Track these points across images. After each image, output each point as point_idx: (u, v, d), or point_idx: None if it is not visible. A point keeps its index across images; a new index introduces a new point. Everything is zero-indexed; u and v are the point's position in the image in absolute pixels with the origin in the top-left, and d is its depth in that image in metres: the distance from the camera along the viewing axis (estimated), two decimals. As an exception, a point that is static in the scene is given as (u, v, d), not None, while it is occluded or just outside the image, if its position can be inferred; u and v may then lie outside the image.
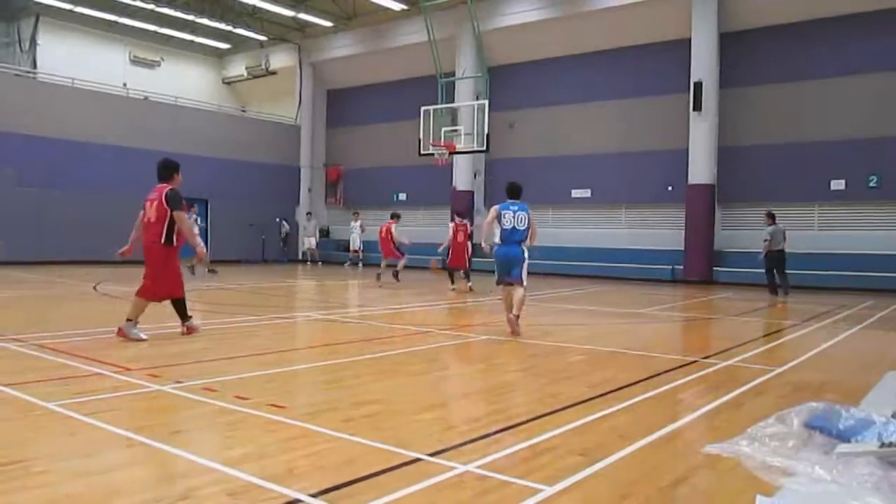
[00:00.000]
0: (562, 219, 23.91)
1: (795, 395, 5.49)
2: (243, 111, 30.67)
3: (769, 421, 4.25)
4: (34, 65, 25.36)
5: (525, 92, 24.38)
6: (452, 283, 16.03)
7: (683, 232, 20.47)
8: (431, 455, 3.83)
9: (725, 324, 11.60)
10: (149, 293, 8.04)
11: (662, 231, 21.78)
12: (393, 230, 17.20)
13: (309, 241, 26.98)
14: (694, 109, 20.05)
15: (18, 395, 5.02)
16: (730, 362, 7.20)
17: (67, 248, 22.02)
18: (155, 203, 8.08)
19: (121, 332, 7.76)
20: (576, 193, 23.44)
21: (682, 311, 13.43)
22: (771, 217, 14.98)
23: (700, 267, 20.04)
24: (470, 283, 16.02)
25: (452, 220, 17.73)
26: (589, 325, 10.89)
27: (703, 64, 20.09)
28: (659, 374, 6.39)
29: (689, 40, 20.37)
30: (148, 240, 8.08)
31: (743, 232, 20.00)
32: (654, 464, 3.87)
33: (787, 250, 15.05)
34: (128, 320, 7.85)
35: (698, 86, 19.96)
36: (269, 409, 4.75)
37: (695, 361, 7.22)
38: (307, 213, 28.58)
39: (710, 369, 6.81)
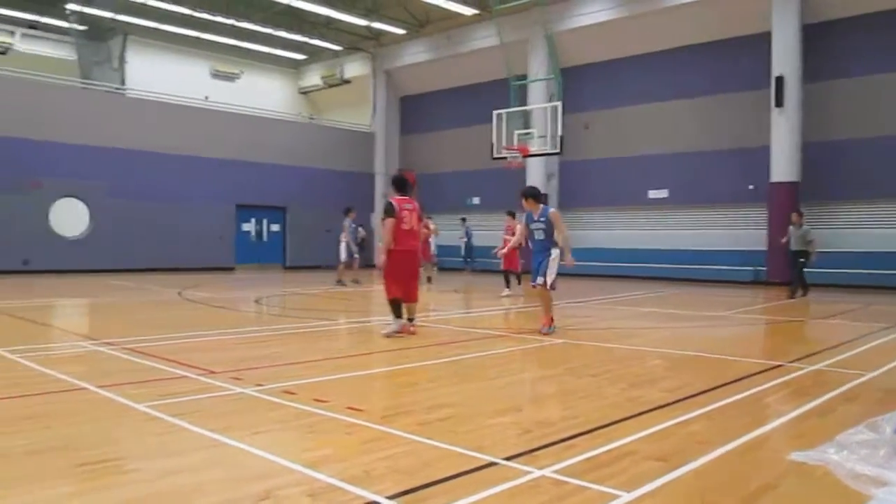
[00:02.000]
0: (638, 220, 23.50)
1: (887, 402, 5.24)
2: (312, 119, 31.29)
3: (859, 428, 4.07)
4: (123, 82, 26.55)
5: (598, 92, 24.10)
6: (508, 286, 15.67)
7: (766, 232, 19.81)
8: (507, 459, 3.82)
9: (811, 326, 11.17)
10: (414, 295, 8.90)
11: (743, 231, 21.12)
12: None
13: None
14: (776, 105, 19.39)
15: (111, 397, 5.26)
16: (816, 367, 6.92)
17: (154, 256, 22.94)
18: (414, 214, 8.92)
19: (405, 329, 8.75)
20: (652, 194, 23.01)
21: (764, 313, 12.99)
22: (798, 215, 15.59)
23: (784, 268, 19.32)
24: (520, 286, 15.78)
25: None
26: (666, 329, 10.66)
27: (785, 58, 19.40)
28: (741, 379, 6.20)
29: (770, 34, 19.72)
30: (415, 246, 8.99)
31: (831, 231, 19.20)
32: (736, 471, 3.76)
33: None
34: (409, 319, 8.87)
35: (780, 80, 19.29)
36: (346, 412, 4.84)
37: (779, 366, 6.97)
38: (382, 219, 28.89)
39: (795, 374, 6.56)
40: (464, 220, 24.49)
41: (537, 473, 3.59)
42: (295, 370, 6.63)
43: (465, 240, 23.82)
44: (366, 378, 6.56)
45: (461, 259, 23.53)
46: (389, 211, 8.77)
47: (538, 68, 23.81)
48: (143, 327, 9.87)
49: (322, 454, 3.96)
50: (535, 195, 9.26)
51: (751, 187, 20.73)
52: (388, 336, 8.62)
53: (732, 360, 7.35)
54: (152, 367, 6.53)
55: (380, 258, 8.75)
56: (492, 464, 3.76)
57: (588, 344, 8.46)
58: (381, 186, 30.12)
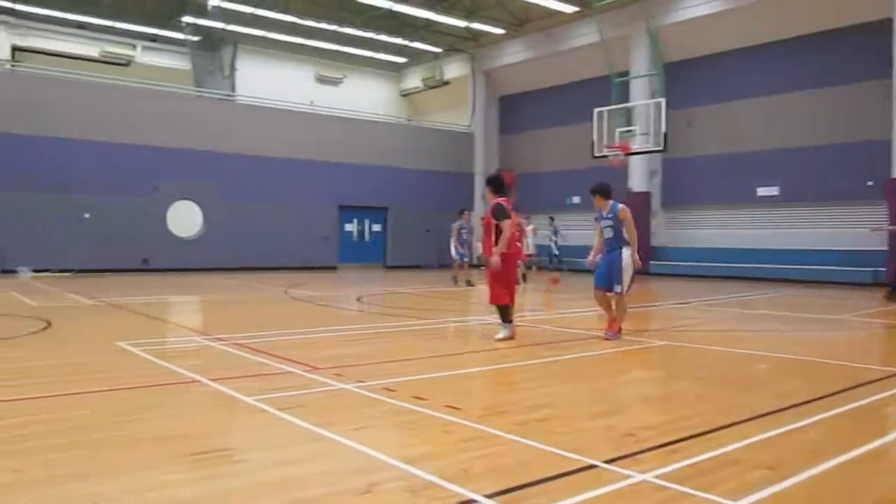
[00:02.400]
0: (746, 219, 22.59)
1: None
2: (411, 121, 31.68)
3: None
4: (233, 89, 27.75)
5: (703, 87, 23.31)
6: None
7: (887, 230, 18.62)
8: (607, 462, 3.77)
9: (939, 332, 10.44)
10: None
11: (861, 230, 19.93)
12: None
13: (477, 246, 27.32)
14: (899, 95, 18.21)
15: (222, 390, 5.52)
16: (944, 375, 6.47)
17: (262, 255, 23.84)
18: (513, 215, 8.91)
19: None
20: (761, 192, 22.06)
21: (884, 316, 12.22)
22: None
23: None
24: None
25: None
26: (775, 332, 10.21)
27: (909, 45, 18.19)
28: (857, 387, 5.87)
29: (891, 20, 18.52)
30: (518, 249, 9.45)
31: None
32: (852, 483, 3.56)
33: None
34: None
35: (903, 69, 18.11)
36: (444, 410, 4.88)
37: (901, 373, 6.56)
38: (481, 218, 28.99)
39: (921, 382, 6.16)
40: (552, 219, 24.35)
41: (639, 478, 3.52)
42: (395, 368, 6.75)
43: (555, 239, 23.72)
44: (464, 377, 6.61)
45: (548, 258, 23.41)
46: (504, 212, 8.55)
47: (640, 64, 23.27)
48: (251, 324, 10.27)
49: (421, 451, 4.02)
50: (602, 191, 8.77)
51: (869, 183, 19.54)
52: (502, 340, 8.35)
53: (848, 366, 6.96)
54: (260, 362, 6.80)
55: (496, 260, 8.39)
56: (591, 466, 3.71)
57: (691, 346, 8.21)
58: (480, 187, 30.20)
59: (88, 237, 20.97)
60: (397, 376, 6.17)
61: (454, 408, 4.95)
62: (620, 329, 8.71)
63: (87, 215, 21.14)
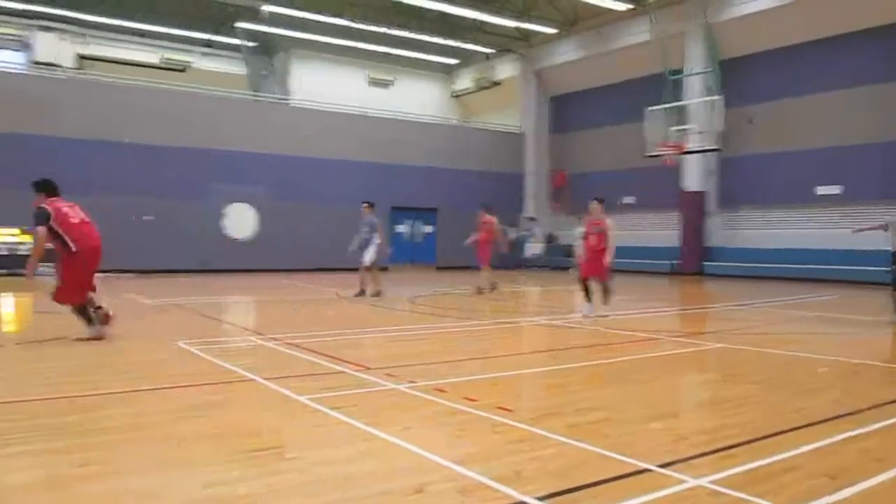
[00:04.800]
0: (805, 219, 21.97)
1: None
2: (464, 121, 31.72)
3: None
4: (287, 92, 28.21)
5: (761, 84, 22.73)
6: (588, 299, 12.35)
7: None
8: (661, 466, 3.71)
9: None
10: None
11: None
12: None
13: (533, 248, 27.28)
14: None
15: (276, 388, 5.61)
16: None
17: (315, 256, 24.12)
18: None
19: None
20: (821, 190, 21.43)
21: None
22: None
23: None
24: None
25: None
26: (835, 335, 9.91)
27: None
28: (925, 392, 5.67)
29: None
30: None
31: None
32: (918, 492, 3.44)
33: None
34: None
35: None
36: (496, 411, 4.87)
37: (972, 379, 6.31)
38: (531, 219, 28.89)
39: None
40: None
41: (693, 483, 3.46)
42: (446, 368, 6.77)
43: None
44: (515, 378, 6.58)
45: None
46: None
47: (695, 61, 22.85)
48: (304, 324, 10.42)
49: (472, 452, 4.02)
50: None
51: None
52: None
53: (915, 370, 6.73)
54: (313, 361, 6.89)
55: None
56: (645, 470, 3.66)
57: (748, 349, 8.02)
58: (531, 187, 30.07)
59: (150, 239, 21.54)
60: (448, 377, 6.18)
61: (505, 409, 4.94)
62: None
63: (149, 217, 21.73)
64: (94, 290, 8.15)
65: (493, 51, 29.86)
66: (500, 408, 4.96)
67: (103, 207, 20.91)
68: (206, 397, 5.46)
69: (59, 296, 7.87)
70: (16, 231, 19.52)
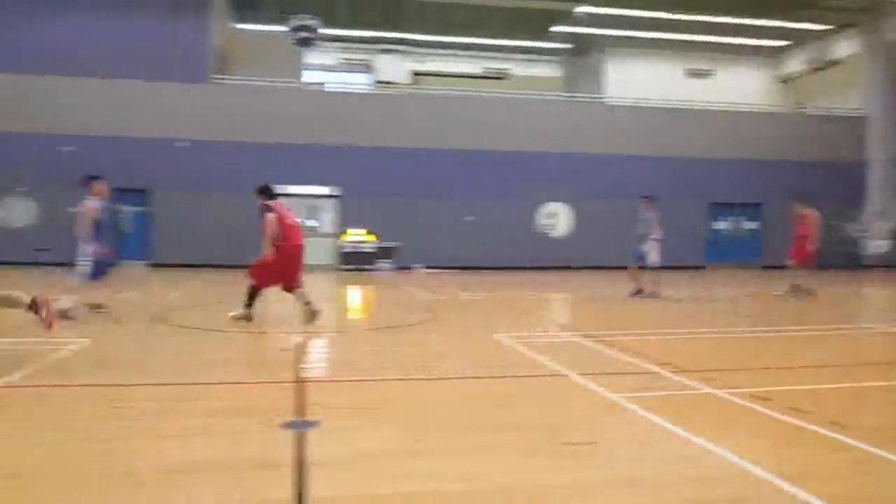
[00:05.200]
0: None
1: None
2: (799, 107, 28.96)
3: None
4: (602, 91, 28.35)
5: None
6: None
7: None
8: None
9: None
10: None
11: None
12: None
13: (877, 245, 24.08)
14: None
15: (589, 385, 5.65)
16: None
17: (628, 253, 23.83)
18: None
19: None
20: None
21: None
22: None
23: None
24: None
25: None
26: None
27: None
28: None
29: None
30: None
31: None
32: None
33: None
34: None
35: None
36: (829, 426, 4.38)
37: None
38: (872, 213, 25.51)
39: None
40: None
41: None
42: (770, 375, 6.26)
43: None
44: (854, 391, 5.85)
45: None
46: None
47: None
48: (618, 322, 10.36)
49: (799, 468, 3.67)
50: None
51: None
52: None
53: None
54: (626, 360, 6.82)
55: None
56: None
57: None
58: (877, 176, 26.49)
59: (471, 238, 23.07)
60: (773, 385, 5.71)
61: (840, 424, 4.42)
62: None
63: (470, 218, 23.29)
64: (298, 286, 9.16)
65: (831, 27, 26.83)
66: (834, 423, 4.45)
67: (429, 209, 23.04)
68: (521, 389, 5.70)
69: (252, 270, 9.10)
70: (362, 231, 22.17)
